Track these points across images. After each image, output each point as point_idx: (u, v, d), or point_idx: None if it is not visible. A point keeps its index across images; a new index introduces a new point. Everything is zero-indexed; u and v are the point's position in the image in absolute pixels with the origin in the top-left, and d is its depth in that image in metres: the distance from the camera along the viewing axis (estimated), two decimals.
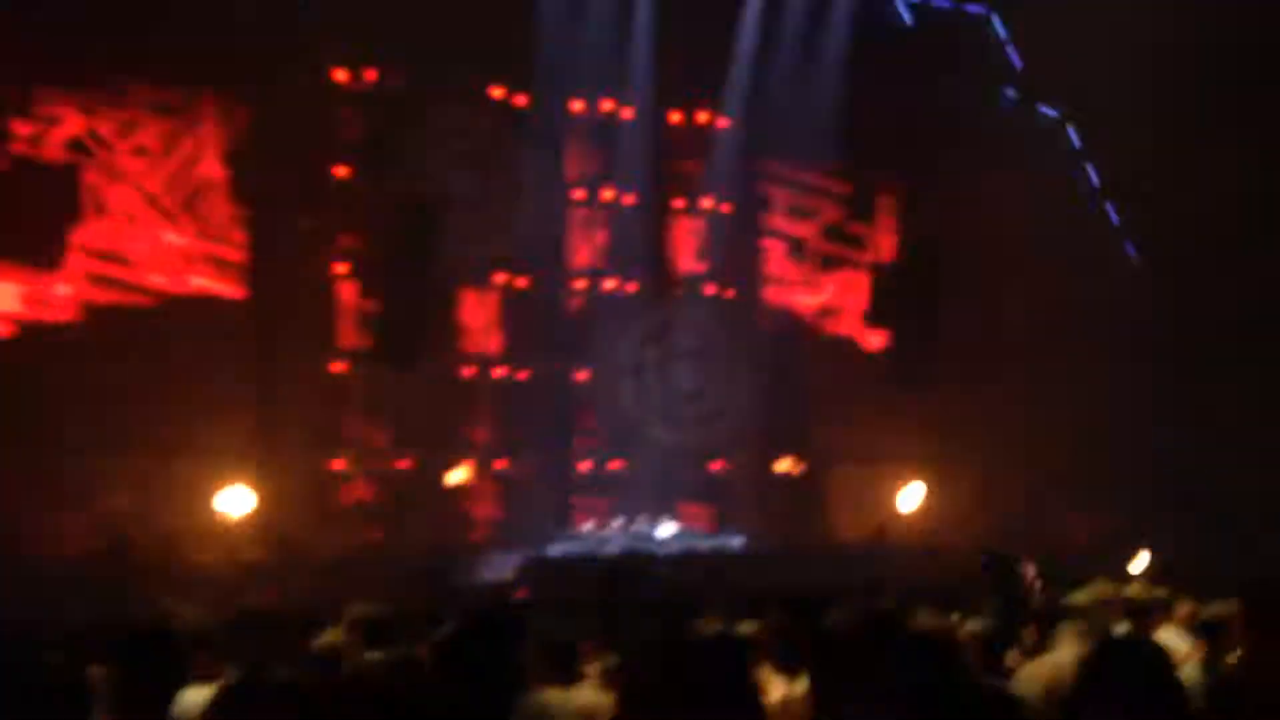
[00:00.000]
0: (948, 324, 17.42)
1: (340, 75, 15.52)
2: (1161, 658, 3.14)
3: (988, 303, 17.48)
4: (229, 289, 15.28)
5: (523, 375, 16.83)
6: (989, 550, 9.54)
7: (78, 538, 13.25)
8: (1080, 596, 6.10)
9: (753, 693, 3.02)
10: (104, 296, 14.57)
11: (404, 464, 16.02)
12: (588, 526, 16.29)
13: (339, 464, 15.86)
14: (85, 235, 14.56)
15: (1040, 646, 5.71)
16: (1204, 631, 5.55)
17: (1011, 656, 5.81)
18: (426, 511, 15.90)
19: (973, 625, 6.00)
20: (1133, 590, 6.70)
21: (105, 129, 14.65)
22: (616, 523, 16.24)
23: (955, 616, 6.51)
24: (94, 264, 14.57)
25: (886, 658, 3.28)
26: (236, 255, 15.34)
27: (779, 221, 18.40)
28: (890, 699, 3.01)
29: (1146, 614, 6.28)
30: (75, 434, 13.48)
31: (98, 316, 14.37)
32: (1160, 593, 6.78)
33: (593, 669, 5.20)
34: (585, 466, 17.22)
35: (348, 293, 15.89)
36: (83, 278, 14.49)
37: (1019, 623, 6.31)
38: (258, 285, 15.26)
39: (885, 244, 18.52)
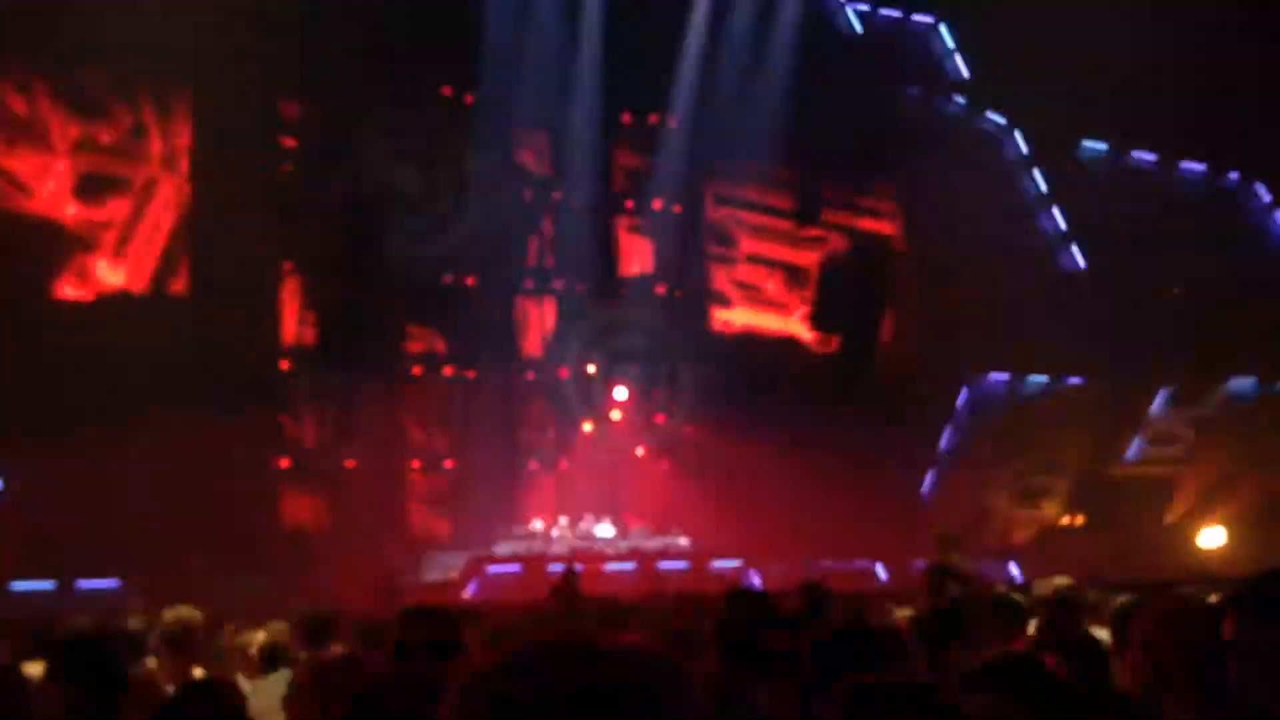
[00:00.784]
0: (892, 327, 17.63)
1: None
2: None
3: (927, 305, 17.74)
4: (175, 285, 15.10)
5: (470, 374, 16.80)
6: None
7: None
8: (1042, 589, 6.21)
9: None
10: None
11: (350, 463, 15.90)
12: (534, 526, 16.26)
13: (284, 463, 15.73)
14: None
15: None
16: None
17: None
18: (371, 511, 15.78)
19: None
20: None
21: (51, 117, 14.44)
22: (562, 522, 16.23)
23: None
24: None
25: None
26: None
27: (728, 224, 18.47)
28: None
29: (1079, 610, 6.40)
30: None
31: None
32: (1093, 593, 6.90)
33: None
34: (532, 466, 17.22)
35: (293, 291, 15.74)
36: None
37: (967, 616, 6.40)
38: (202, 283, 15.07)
39: (833, 246, 18.62)
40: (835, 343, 18.23)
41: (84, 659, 3.78)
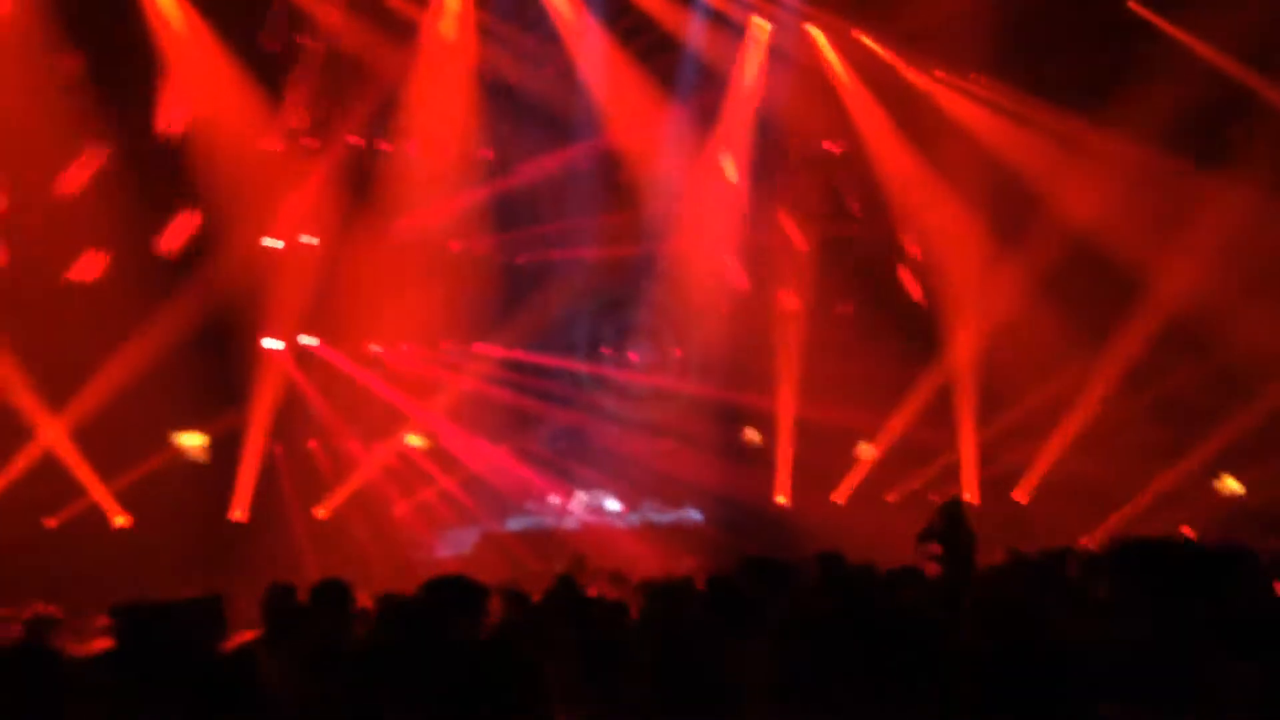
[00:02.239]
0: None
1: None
2: None
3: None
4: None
5: (476, 349, 16.72)
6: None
7: None
8: None
9: None
10: None
11: (353, 443, 15.86)
12: (548, 501, 16.24)
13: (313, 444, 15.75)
14: None
15: None
16: None
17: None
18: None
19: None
20: None
21: None
22: (575, 498, 16.21)
23: None
24: None
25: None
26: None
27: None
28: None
29: None
30: None
31: None
32: None
33: None
34: (540, 442, 17.16)
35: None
36: None
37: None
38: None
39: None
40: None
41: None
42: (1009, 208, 15.78)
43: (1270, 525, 11.85)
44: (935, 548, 9.54)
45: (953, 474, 16.75)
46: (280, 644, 5.23)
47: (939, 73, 16.38)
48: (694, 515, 16.34)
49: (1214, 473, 15.24)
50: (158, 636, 3.72)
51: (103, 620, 6.45)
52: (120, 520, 14.09)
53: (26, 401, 13.23)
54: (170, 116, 14.37)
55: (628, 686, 3.73)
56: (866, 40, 16.37)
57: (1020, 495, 16.72)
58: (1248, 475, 14.75)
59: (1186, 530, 14.99)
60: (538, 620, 5.06)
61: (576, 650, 4.38)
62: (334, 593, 6.48)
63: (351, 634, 6.09)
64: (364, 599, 7.88)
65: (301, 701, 3.52)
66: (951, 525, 9.79)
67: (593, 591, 6.80)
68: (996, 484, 16.79)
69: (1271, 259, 13.86)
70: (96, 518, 13.93)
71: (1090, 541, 14.69)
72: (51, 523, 13.76)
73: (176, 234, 15.02)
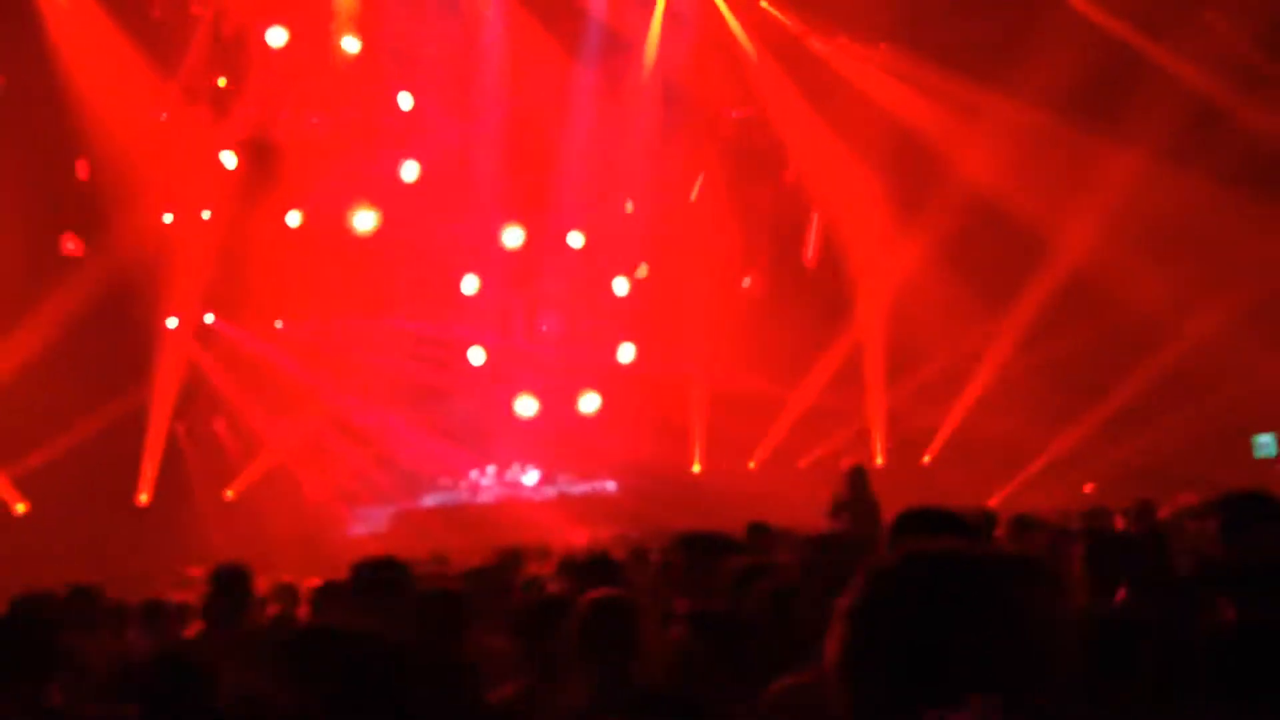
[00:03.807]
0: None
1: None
2: None
3: None
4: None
5: (391, 325, 16.48)
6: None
7: None
8: None
9: None
10: None
11: (260, 422, 15.55)
12: (471, 475, 16.15)
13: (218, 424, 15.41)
14: None
15: None
16: None
17: None
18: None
19: None
20: None
21: None
22: (489, 472, 16.14)
23: None
24: None
25: None
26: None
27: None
28: None
29: None
30: None
31: None
32: None
33: None
34: (455, 416, 17.02)
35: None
36: None
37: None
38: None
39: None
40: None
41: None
42: (912, 173, 16.01)
43: (1162, 485, 12.24)
44: (842, 512, 9.80)
45: (863, 438, 17.02)
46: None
47: (841, 40, 16.51)
48: (609, 486, 16.38)
49: (1110, 433, 15.69)
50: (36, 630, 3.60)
51: None
52: (20, 508, 13.67)
53: None
54: (59, 90, 13.86)
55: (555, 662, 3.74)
56: (768, 6, 16.43)
57: (927, 457, 17.06)
58: (1142, 435, 15.21)
59: (1088, 489, 15.46)
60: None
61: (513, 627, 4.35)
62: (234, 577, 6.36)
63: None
64: (263, 584, 7.76)
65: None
66: (856, 490, 10.07)
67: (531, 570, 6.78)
68: (904, 447, 17.10)
69: (1164, 222, 14.27)
70: None
71: (994, 502, 15.09)
72: None
73: (69, 209, 14.54)
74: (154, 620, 5.59)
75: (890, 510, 10.79)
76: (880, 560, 1.47)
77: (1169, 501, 7.57)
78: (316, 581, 7.35)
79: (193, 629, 5.42)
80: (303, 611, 6.24)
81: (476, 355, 16.79)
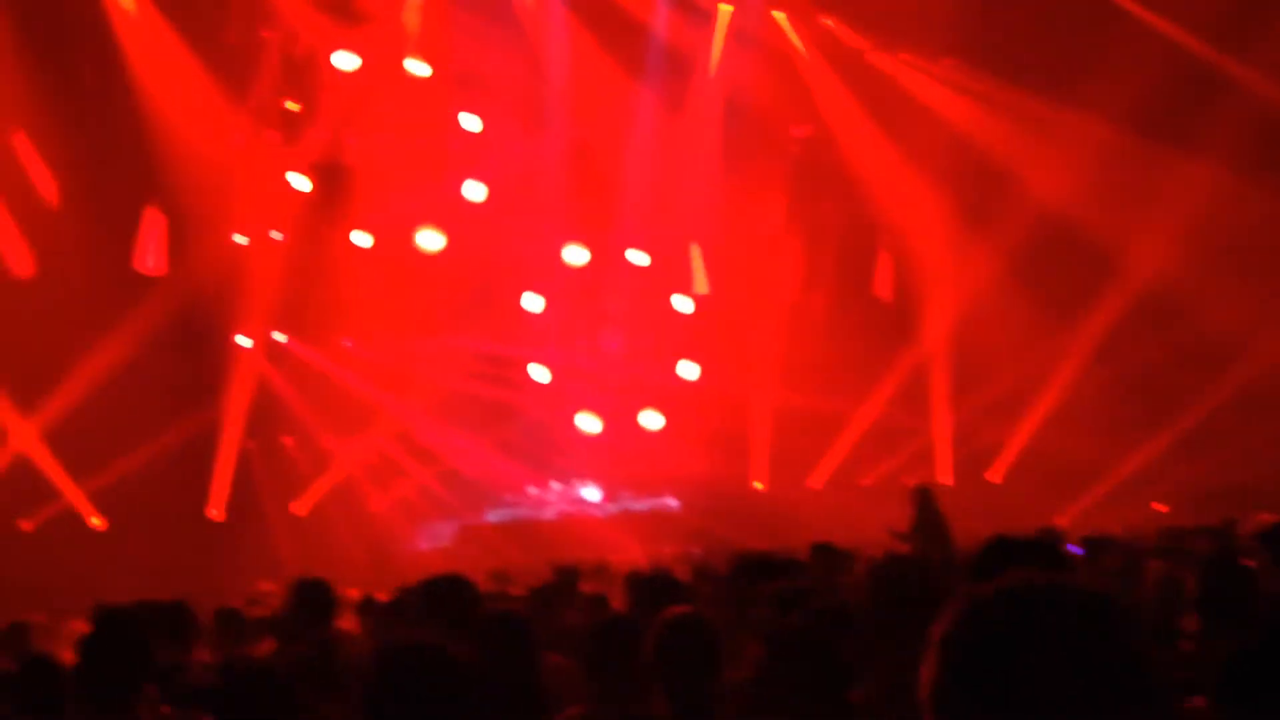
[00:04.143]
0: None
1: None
2: None
3: None
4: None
5: (456, 343, 16.62)
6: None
7: None
8: None
9: None
10: None
11: (328, 439, 15.77)
12: (526, 492, 16.24)
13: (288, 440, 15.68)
14: None
15: None
16: None
17: None
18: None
19: None
20: None
21: None
22: (553, 488, 16.22)
23: None
24: None
25: None
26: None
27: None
28: None
29: None
30: None
31: None
32: None
33: None
34: (518, 433, 17.12)
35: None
36: None
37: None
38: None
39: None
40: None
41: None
42: (979, 189, 15.88)
43: (1238, 503, 11.99)
44: (907, 531, 9.68)
45: (927, 456, 16.86)
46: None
47: (905, 56, 16.43)
48: (671, 503, 16.39)
49: (1183, 451, 15.40)
50: (127, 643, 3.67)
51: (79, 624, 6.42)
52: (96, 521, 13.98)
53: None
54: (134, 114, 14.23)
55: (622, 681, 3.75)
56: (831, 23, 16.40)
57: (994, 475, 16.85)
58: (1215, 454, 14.91)
59: (1158, 507, 15.18)
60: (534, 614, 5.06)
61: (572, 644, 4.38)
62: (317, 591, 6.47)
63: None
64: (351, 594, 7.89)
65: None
66: (923, 511, 9.94)
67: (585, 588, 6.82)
68: (971, 464, 16.91)
69: (1238, 237, 14.01)
70: (72, 519, 13.82)
71: (1064, 520, 14.86)
72: (27, 525, 13.64)
73: (146, 234, 14.90)
74: (228, 634, 5.69)
75: (957, 528, 10.70)
76: (975, 589, 1.47)
77: (1246, 522, 7.43)
78: (383, 596, 7.46)
79: (265, 645, 5.51)
80: (352, 623, 6.31)
81: (540, 373, 16.90)
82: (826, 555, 7.45)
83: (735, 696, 3.45)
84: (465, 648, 3.78)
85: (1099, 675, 1.39)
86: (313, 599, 5.04)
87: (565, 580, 6.70)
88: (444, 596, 4.18)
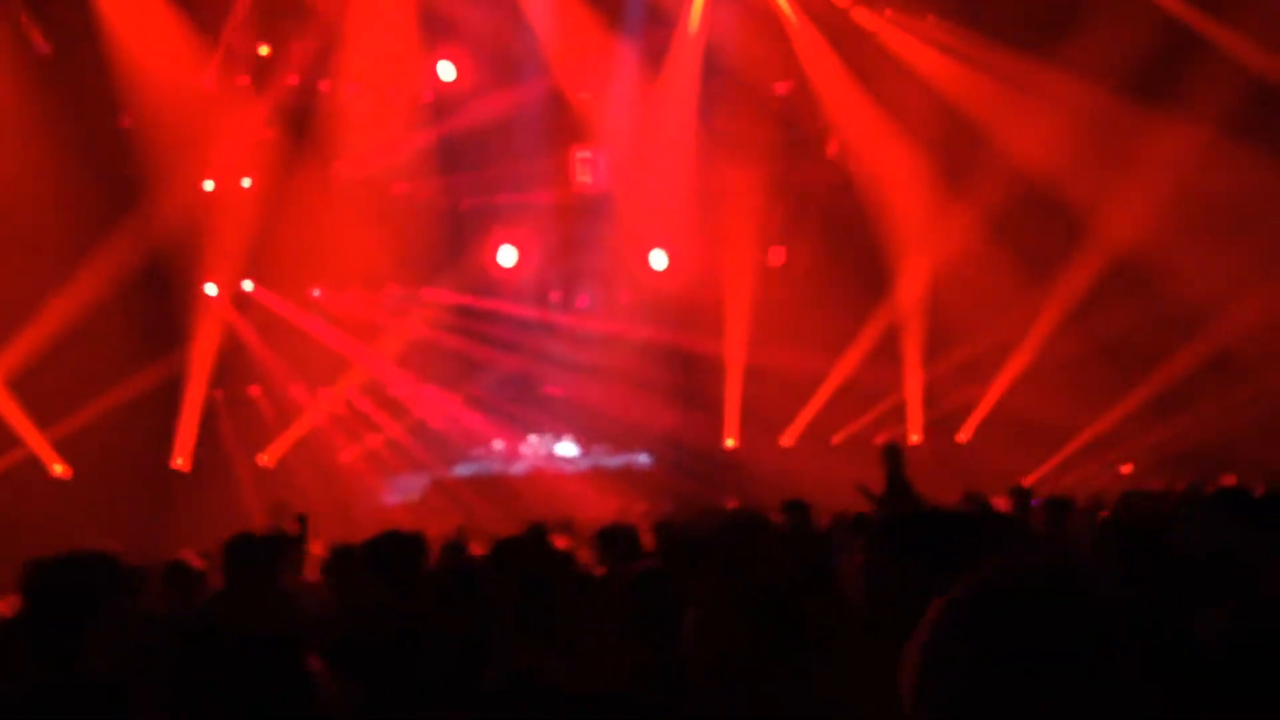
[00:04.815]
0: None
1: None
2: None
3: None
4: None
5: (427, 295, 16.47)
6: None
7: None
8: None
9: None
10: None
11: (297, 389, 15.62)
12: (495, 446, 16.16)
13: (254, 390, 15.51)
14: None
15: None
16: None
17: None
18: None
19: None
20: None
21: None
22: (528, 442, 16.14)
23: None
24: None
25: None
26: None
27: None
28: None
29: None
30: None
31: None
32: None
33: None
34: (487, 388, 17.02)
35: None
36: None
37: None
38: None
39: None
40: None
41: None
42: (958, 148, 15.78)
43: (1204, 467, 12.05)
44: (875, 490, 9.64)
45: (899, 415, 16.88)
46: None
47: (889, 12, 16.25)
48: (643, 459, 16.35)
49: (1152, 415, 15.47)
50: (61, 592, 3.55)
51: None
52: (59, 469, 13.81)
53: None
54: (104, 54, 13.90)
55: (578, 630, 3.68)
56: None
57: (964, 435, 16.90)
58: (1186, 418, 14.99)
59: (1125, 470, 15.27)
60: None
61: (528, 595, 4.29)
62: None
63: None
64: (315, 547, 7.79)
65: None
66: (890, 470, 9.90)
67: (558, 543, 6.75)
68: (942, 424, 16.95)
69: (1216, 202, 13.97)
70: (35, 468, 13.64)
71: (1031, 480, 14.93)
72: None
73: (113, 176, 14.61)
74: (177, 584, 5.58)
75: (926, 487, 10.69)
76: (953, 592, 1.47)
77: (1210, 485, 7.42)
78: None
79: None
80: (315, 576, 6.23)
81: (511, 326, 16.78)
82: (798, 512, 7.42)
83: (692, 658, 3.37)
84: (411, 602, 3.71)
85: (1078, 672, 1.38)
86: (248, 556, 4.94)
87: (531, 536, 6.62)
88: (390, 555, 4.09)
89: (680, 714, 3.16)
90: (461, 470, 15.58)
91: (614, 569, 5.52)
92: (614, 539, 6.26)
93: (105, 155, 14.46)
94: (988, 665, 1.38)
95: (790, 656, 3.09)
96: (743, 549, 4.52)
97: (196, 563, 5.85)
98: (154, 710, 1.82)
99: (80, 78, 13.92)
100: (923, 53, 16.12)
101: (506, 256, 16.54)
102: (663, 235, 17.26)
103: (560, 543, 7.59)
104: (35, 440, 13.61)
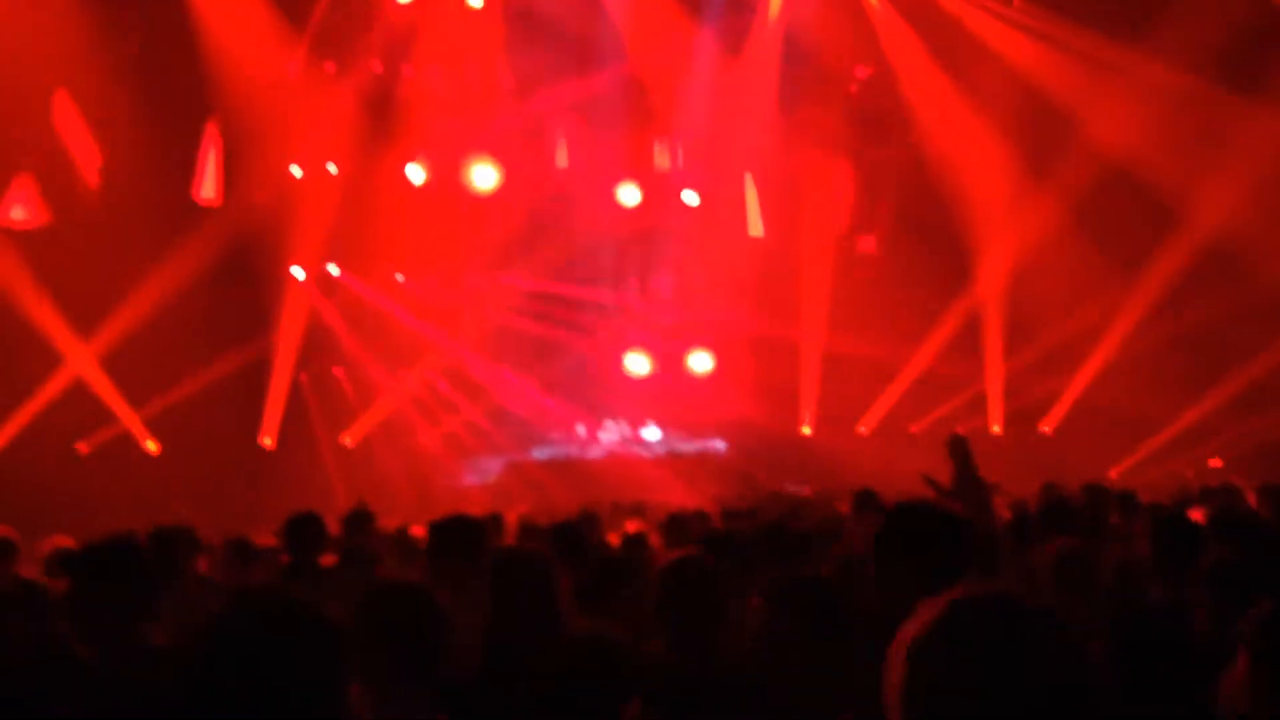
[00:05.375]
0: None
1: None
2: None
3: None
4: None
5: (508, 280, 16.65)
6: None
7: None
8: None
9: None
10: None
11: (378, 371, 15.91)
12: (578, 430, 16.32)
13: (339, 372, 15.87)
14: None
15: None
16: None
17: None
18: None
19: None
20: None
21: None
22: (610, 427, 16.27)
23: None
24: None
25: None
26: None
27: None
28: None
29: None
30: None
31: None
32: None
33: None
34: (567, 372, 17.17)
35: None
36: None
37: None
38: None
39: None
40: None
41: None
42: (1042, 133, 15.51)
43: None
44: (948, 484, 9.54)
45: (979, 405, 16.67)
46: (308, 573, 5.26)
47: None
48: (719, 445, 16.38)
49: (1241, 408, 15.07)
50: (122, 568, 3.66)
51: (57, 540, 6.36)
52: (150, 446, 14.26)
53: (56, 329, 13.34)
54: (194, 43, 14.27)
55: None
56: None
57: (1047, 427, 16.64)
58: (1275, 411, 14.57)
59: (1215, 463, 14.90)
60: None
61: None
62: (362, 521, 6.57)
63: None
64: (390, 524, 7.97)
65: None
66: (957, 462, 9.78)
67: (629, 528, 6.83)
68: (1023, 415, 16.71)
69: None
70: (127, 444, 14.11)
71: (1116, 474, 14.66)
72: (83, 448, 13.95)
73: (204, 164, 15.03)
74: (236, 558, 5.76)
75: (1008, 479, 10.56)
76: (934, 606, 1.53)
77: None
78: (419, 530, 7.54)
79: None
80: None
81: (592, 311, 16.91)
82: (869, 502, 7.40)
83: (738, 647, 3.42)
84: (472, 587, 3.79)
85: (1048, 689, 1.45)
86: (304, 533, 5.11)
87: (587, 520, 6.72)
88: (452, 538, 4.18)
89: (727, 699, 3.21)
90: (538, 453, 15.76)
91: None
92: (682, 525, 6.33)
93: (196, 143, 14.88)
94: (961, 683, 1.45)
95: (838, 650, 3.12)
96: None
97: (268, 540, 6.04)
98: (200, 673, 1.92)
99: (171, 66, 14.31)
100: (1007, 36, 15.86)
101: (585, 241, 16.66)
102: (739, 221, 17.24)
103: (631, 526, 7.68)
104: (129, 418, 14.07)
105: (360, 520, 6.63)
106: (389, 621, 2.78)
